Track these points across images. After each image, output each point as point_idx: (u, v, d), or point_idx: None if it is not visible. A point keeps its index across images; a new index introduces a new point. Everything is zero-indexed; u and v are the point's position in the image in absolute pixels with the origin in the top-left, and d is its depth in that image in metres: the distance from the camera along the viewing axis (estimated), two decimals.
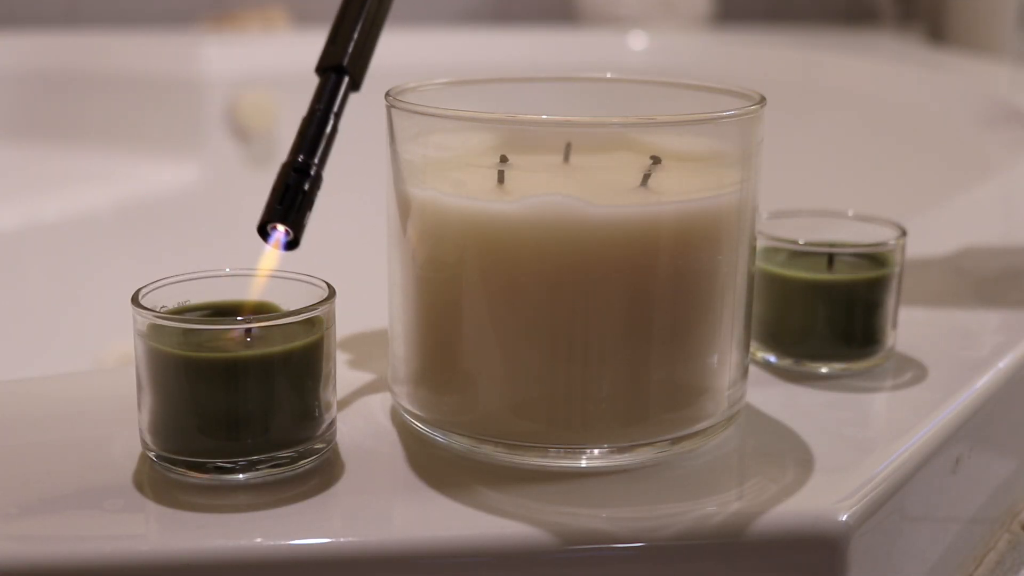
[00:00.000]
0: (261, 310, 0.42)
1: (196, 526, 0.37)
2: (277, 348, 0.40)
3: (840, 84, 1.42)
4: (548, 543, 0.37)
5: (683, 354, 0.42)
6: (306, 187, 0.42)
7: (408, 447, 0.43)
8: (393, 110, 0.43)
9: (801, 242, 0.52)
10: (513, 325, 0.41)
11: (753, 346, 0.52)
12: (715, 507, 0.39)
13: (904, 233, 0.52)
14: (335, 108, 0.44)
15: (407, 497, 0.40)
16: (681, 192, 0.41)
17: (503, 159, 0.41)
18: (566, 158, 0.42)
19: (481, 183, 0.41)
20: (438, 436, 0.43)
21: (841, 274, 0.51)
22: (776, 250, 0.52)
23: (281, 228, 0.41)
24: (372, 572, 0.37)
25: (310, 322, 0.41)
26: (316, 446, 0.41)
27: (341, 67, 0.44)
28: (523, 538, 0.37)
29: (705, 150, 0.42)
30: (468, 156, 0.42)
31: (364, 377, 0.49)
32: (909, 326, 0.55)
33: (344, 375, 0.43)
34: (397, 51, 1.51)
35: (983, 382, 0.50)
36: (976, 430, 0.49)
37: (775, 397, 0.48)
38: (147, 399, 0.40)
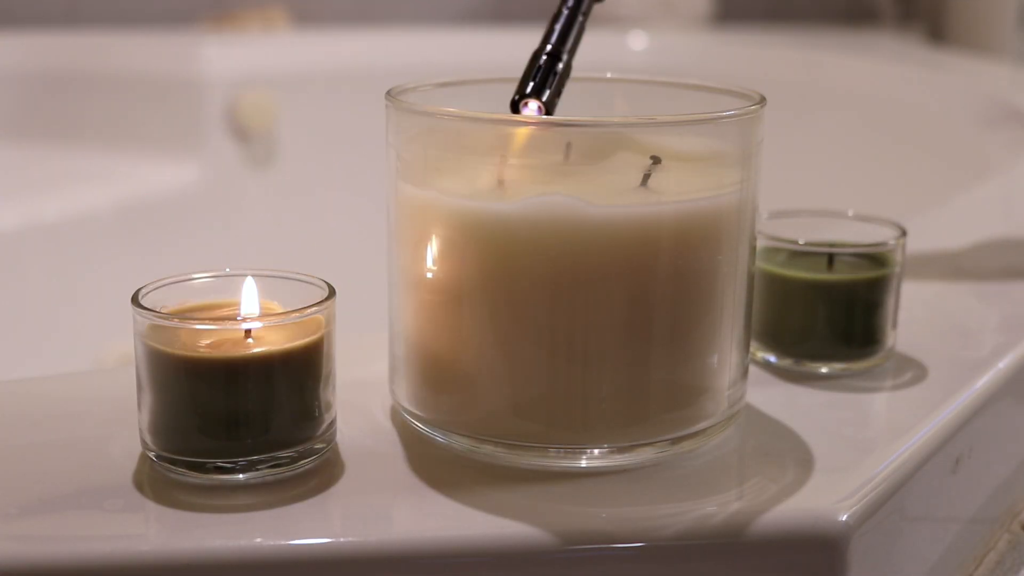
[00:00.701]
0: (261, 310, 0.42)
1: (196, 526, 0.37)
2: (277, 348, 0.40)
3: (840, 84, 1.41)
4: (548, 543, 0.37)
5: (683, 354, 0.42)
6: (558, 68, 0.42)
7: (408, 447, 0.43)
8: (393, 110, 0.43)
9: (801, 242, 0.52)
10: (513, 325, 0.41)
11: (753, 346, 0.52)
12: (715, 507, 0.39)
13: (904, 233, 0.52)
14: (583, 7, 0.45)
15: (407, 497, 0.40)
16: (681, 192, 0.41)
17: (503, 159, 0.41)
18: (566, 158, 0.42)
19: (481, 183, 0.41)
20: (438, 436, 0.43)
21: (841, 274, 0.51)
22: (776, 250, 0.52)
23: (533, 104, 0.41)
24: (372, 572, 0.37)
25: (310, 322, 0.41)
26: (316, 446, 0.41)
27: None
28: (523, 538, 0.37)
29: (705, 150, 0.42)
30: (468, 156, 0.42)
31: (364, 377, 0.49)
32: (909, 326, 0.55)
33: (344, 375, 0.43)
34: (397, 51, 1.52)
35: (983, 382, 0.50)
36: (976, 430, 0.49)
37: (775, 397, 0.48)
38: (147, 399, 0.40)
